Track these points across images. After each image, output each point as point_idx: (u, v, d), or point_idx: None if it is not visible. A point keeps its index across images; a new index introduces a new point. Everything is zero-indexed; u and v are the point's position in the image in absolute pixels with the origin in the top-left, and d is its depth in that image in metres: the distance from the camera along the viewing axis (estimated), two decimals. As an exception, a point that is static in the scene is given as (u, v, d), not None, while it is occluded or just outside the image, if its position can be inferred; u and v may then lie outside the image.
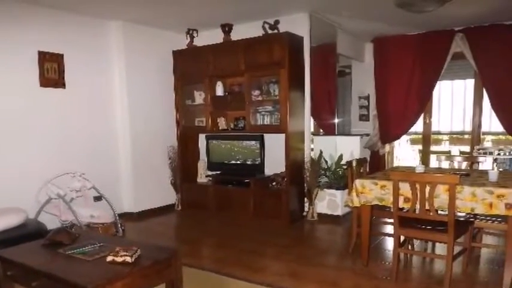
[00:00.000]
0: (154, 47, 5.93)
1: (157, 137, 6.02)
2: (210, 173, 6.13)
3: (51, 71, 4.87)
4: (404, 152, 7.55)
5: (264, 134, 5.53)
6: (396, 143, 7.04)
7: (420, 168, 3.76)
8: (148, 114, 5.89)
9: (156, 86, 5.99)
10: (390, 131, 6.57)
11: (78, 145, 5.20)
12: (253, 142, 5.59)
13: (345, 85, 7.21)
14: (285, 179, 5.22)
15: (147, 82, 5.85)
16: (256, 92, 5.35)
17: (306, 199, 5.41)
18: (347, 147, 5.70)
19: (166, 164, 6.13)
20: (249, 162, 5.66)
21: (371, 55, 6.76)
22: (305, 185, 5.36)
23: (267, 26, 5.12)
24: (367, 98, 7.14)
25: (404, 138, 7.29)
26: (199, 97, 5.95)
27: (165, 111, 6.10)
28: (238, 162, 5.77)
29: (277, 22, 5.11)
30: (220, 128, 5.80)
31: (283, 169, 5.23)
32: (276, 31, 5.11)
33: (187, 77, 5.93)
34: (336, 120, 6.25)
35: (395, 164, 7.09)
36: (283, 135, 5.10)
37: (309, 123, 5.52)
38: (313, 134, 5.80)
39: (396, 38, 6.39)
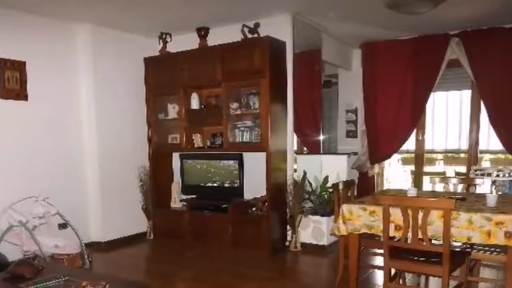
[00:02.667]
0: (125, 54, 5.85)
1: (127, 156, 5.90)
2: (184, 197, 6.02)
3: (13, 80, 4.76)
4: (395, 173, 7.56)
5: (243, 153, 5.46)
6: (386, 163, 7.03)
7: (412, 192, 3.71)
8: (118, 131, 5.78)
9: (126, 98, 5.89)
10: (380, 149, 6.53)
11: (41, 165, 5.08)
12: (231, 162, 5.52)
13: (331, 97, 7.19)
14: (266, 204, 5.14)
15: (117, 94, 5.76)
16: (235, 105, 5.30)
17: (288, 227, 5.33)
18: (333, 168, 5.66)
19: (137, 186, 6.00)
20: (226, 185, 5.58)
21: (359, 63, 6.72)
22: (287, 210, 5.27)
23: (246, 29, 5.08)
24: (355, 111, 7.12)
25: (395, 157, 7.29)
26: (173, 110, 5.87)
27: (136, 126, 6.00)
28: (215, 184, 5.69)
29: (257, 25, 5.06)
30: (195, 145, 5.72)
31: (263, 192, 5.16)
32: (256, 35, 5.07)
33: (160, 88, 5.87)
34: (321, 137, 6.21)
35: (386, 186, 7.10)
36: (263, 154, 5.03)
37: (292, 141, 5.46)
38: (296, 152, 5.76)
39: (386, 44, 6.36)
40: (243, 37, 5.12)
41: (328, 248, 5.25)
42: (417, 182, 6.70)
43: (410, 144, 6.67)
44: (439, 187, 4.45)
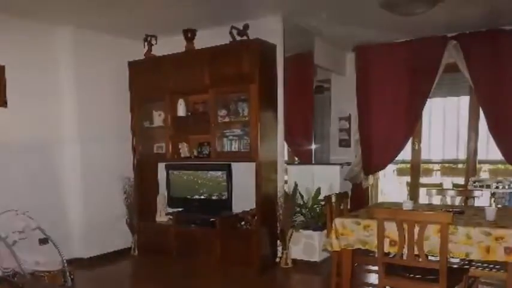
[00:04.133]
0: (108, 57, 5.79)
1: (111, 167, 5.83)
2: (170, 210, 5.96)
3: (-9, 86, 4.71)
4: (390, 185, 7.53)
5: (232, 163, 5.41)
6: (381, 174, 6.98)
7: (408, 205, 3.69)
8: (101, 139, 5.71)
9: (110, 105, 5.83)
10: (374, 159, 6.45)
11: (20, 176, 5.01)
12: (219, 173, 5.48)
13: (323, 103, 7.12)
14: (255, 218, 5.08)
15: (100, 100, 5.70)
16: (223, 112, 5.25)
17: (279, 242, 5.27)
18: (326, 179, 5.63)
19: (121, 199, 5.92)
20: (214, 197, 5.54)
21: (353, 67, 6.66)
22: (278, 224, 5.21)
23: (235, 31, 5.02)
24: (349, 119, 7.05)
25: (390, 168, 7.24)
26: (158, 118, 5.82)
27: (120, 135, 5.93)
28: (203, 197, 5.64)
29: (246, 27, 5.00)
30: (182, 155, 5.67)
31: (253, 205, 5.10)
32: (245, 37, 5.03)
33: (145, 94, 5.81)
34: (313, 146, 6.18)
35: (380, 199, 7.04)
36: (253, 165, 4.98)
37: (283, 150, 5.42)
38: (287, 162, 5.72)
39: (381, 46, 6.29)
40: (231, 39, 5.06)
41: (321, 265, 5.20)
42: (413, 194, 6.67)
43: (406, 154, 6.61)
44: (436, 200, 4.44)
